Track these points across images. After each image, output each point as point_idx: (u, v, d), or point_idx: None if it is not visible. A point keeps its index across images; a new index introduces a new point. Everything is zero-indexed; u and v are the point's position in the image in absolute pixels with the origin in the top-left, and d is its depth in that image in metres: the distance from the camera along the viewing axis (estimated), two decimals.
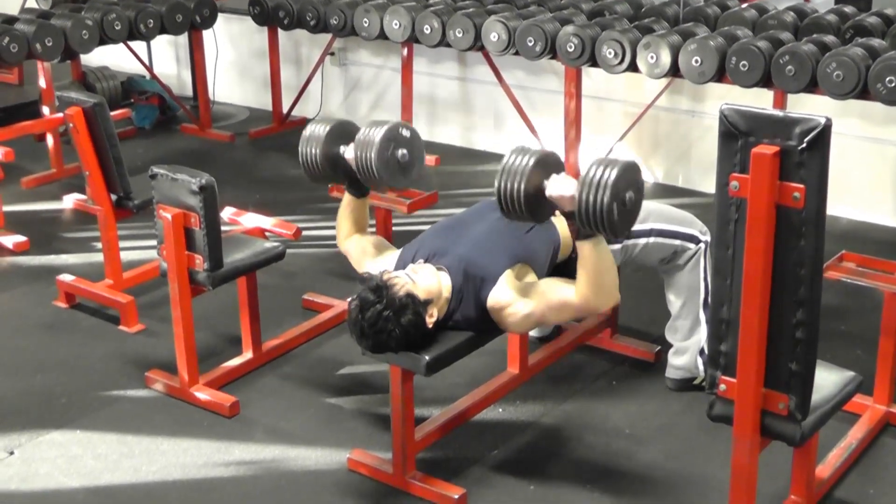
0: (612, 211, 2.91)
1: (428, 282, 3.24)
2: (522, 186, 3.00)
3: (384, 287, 3.16)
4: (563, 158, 3.24)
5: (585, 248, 3.08)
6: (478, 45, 5.95)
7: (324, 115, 3.52)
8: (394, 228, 4.73)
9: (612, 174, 2.92)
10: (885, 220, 5.62)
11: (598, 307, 3.18)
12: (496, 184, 3.05)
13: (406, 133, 3.47)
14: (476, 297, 3.25)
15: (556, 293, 3.21)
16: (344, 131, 3.58)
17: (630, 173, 2.98)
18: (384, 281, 3.18)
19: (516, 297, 3.22)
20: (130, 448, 3.66)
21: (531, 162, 3.02)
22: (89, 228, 5.43)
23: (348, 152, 3.51)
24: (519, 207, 3.04)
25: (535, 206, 3.05)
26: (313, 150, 3.55)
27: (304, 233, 4.83)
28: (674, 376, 3.91)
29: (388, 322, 3.12)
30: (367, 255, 3.59)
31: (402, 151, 3.44)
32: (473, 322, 3.30)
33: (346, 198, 3.67)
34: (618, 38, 5.36)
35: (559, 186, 3.04)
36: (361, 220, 3.68)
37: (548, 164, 3.07)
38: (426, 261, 3.35)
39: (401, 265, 3.41)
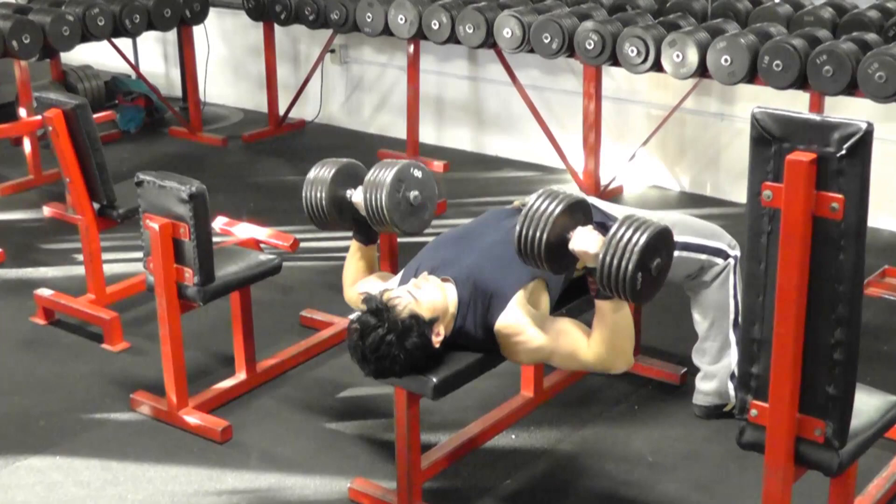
0: (635, 279, 2.95)
1: (432, 297, 3.22)
2: (545, 237, 3.03)
3: (385, 309, 3.15)
4: (590, 201, 3.32)
5: (604, 308, 3.13)
6: (490, 41, 5.98)
7: (328, 159, 3.62)
8: (399, 240, 4.73)
9: (640, 239, 2.95)
10: None
11: (610, 369, 3.23)
12: (517, 229, 3.08)
13: (418, 173, 3.56)
14: (484, 316, 3.25)
15: (570, 341, 3.22)
16: (351, 173, 3.66)
17: (661, 239, 3.01)
18: (384, 302, 3.16)
19: (529, 326, 3.22)
20: (115, 475, 3.68)
21: (557, 210, 3.05)
22: (70, 239, 5.46)
23: (355, 196, 3.59)
24: (539, 257, 3.07)
25: (556, 257, 3.08)
26: (318, 194, 3.62)
27: (303, 244, 4.85)
28: (702, 403, 3.92)
29: (391, 347, 3.11)
30: (369, 288, 3.60)
31: (413, 193, 3.54)
32: (478, 342, 3.29)
33: (354, 245, 3.74)
34: (641, 34, 5.39)
35: (584, 241, 3.07)
36: (369, 269, 3.74)
37: (575, 214, 3.10)
38: (430, 273, 3.35)
39: (403, 283, 3.41)
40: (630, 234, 2.96)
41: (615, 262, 2.95)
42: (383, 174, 3.50)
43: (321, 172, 3.64)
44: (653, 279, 3.02)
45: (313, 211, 3.65)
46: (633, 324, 3.23)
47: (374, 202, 3.49)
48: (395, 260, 4.22)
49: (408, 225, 3.58)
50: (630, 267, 2.93)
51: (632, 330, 3.22)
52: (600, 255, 2.98)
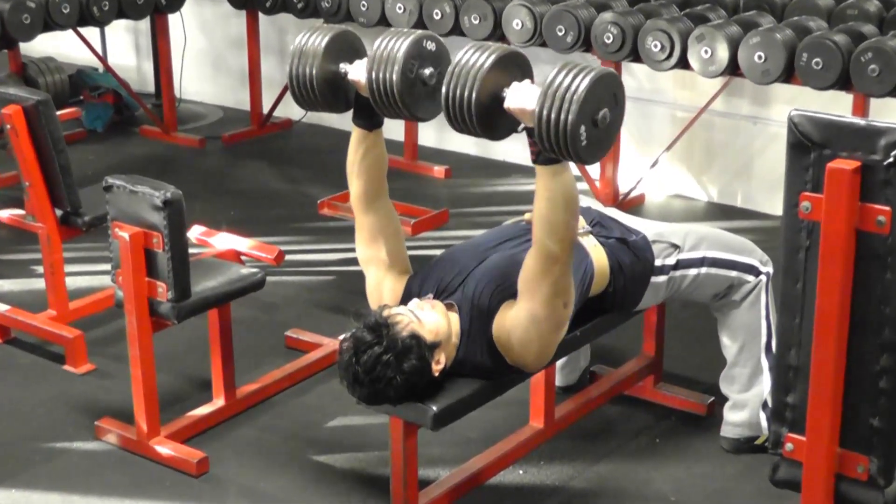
0: (577, 132, 2.85)
1: (435, 321, 3.25)
2: (475, 94, 2.94)
3: (384, 326, 3.16)
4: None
5: (543, 176, 3.04)
6: (497, 33, 6.00)
7: (321, 24, 3.41)
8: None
9: (581, 84, 2.85)
10: None
11: (551, 249, 3.09)
12: (443, 89, 2.99)
13: (431, 46, 3.29)
14: (484, 336, 3.27)
15: (524, 268, 3.18)
16: (346, 44, 3.42)
17: (606, 84, 2.92)
18: (384, 319, 3.18)
19: (511, 309, 3.23)
20: None
21: (488, 63, 2.96)
22: (29, 249, 5.46)
23: (353, 71, 3.37)
24: (469, 120, 2.98)
25: (489, 119, 3.00)
26: (308, 70, 3.37)
27: (288, 257, 4.86)
28: (731, 435, 3.93)
29: (387, 368, 3.13)
30: (379, 264, 3.51)
31: (428, 70, 3.27)
32: (484, 368, 3.32)
33: (356, 133, 3.47)
34: (665, 28, 5.40)
35: (519, 97, 2.99)
36: (378, 164, 3.49)
37: (510, 68, 3.02)
38: (435, 296, 3.38)
39: (405, 299, 3.43)
40: (569, 81, 2.85)
41: (553, 114, 2.84)
42: (393, 48, 3.20)
43: (311, 42, 3.37)
44: (600, 133, 2.91)
45: (301, 90, 3.39)
46: (576, 197, 3.10)
47: (382, 83, 3.21)
48: None
49: (422, 110, 3.30)
50: (570, 118, 2.83)
51: (575, 204, 3.10)
52: (538, 108, 2.87)
